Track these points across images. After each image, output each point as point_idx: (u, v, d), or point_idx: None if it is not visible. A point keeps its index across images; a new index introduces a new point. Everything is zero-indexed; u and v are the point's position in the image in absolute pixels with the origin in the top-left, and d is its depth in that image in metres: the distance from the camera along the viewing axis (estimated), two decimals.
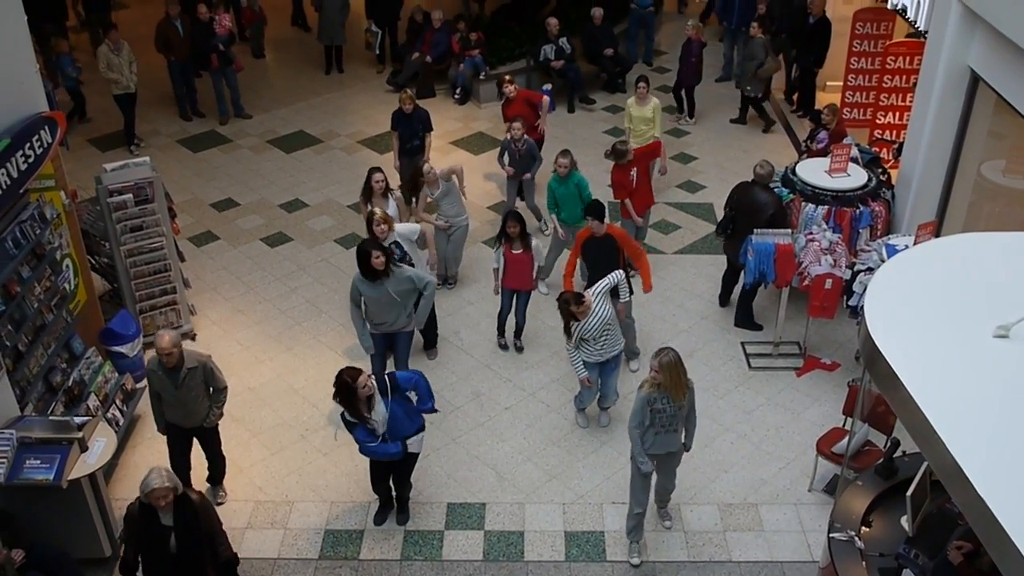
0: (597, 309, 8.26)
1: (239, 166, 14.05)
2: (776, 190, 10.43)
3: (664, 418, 7.11)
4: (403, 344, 8.84)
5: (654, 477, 7.50)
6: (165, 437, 8.60)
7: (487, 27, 16.70)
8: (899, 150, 11.59)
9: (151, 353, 9.74)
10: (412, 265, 9.15)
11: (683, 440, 7.44)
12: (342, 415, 7.29)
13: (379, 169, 10.09)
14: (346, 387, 7.00)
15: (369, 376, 7.11)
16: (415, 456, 7.72)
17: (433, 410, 7.70)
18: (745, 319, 10.36)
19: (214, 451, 8.10)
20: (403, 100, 11.82)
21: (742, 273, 9.96)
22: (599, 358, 8.51)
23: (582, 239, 9.28)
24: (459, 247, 10.88)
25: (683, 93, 15.14)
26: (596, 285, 8.42)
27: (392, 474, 7.81)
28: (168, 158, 14.07)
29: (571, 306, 8.17)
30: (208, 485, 8.23)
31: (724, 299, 10.79)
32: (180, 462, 7.91)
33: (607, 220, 9.28)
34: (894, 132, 12.56)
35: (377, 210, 9.31)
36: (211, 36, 14.72)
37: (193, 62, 15.15)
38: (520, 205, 11.76)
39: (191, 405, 7.67)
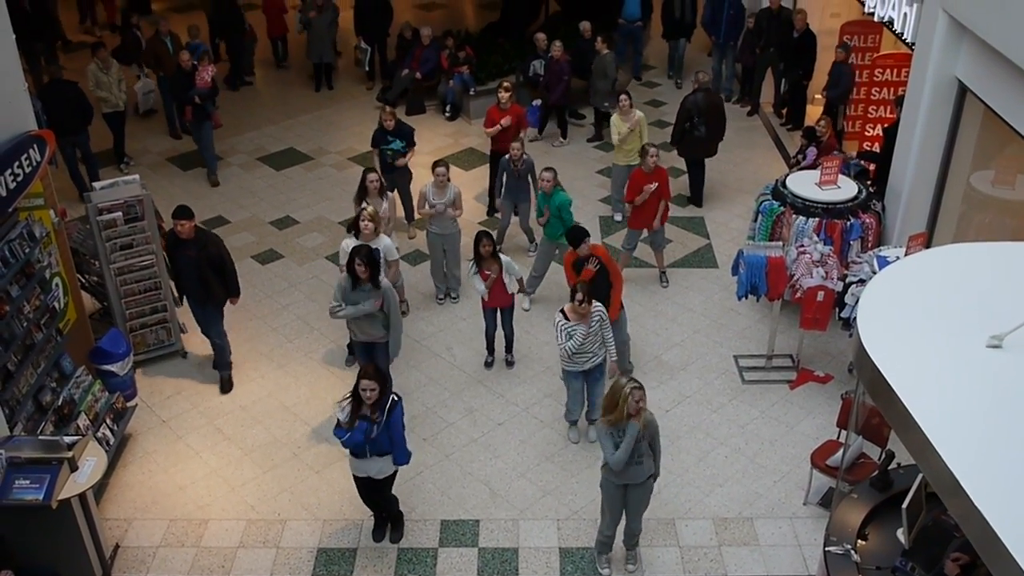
0: (579, 328, 8.28)
1: (229, 184, 14.02)
2: (766, 203, 10.50)
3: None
4: (382, 355, 8.87)
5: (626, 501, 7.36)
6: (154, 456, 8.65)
7: (476, 43, 16.75)
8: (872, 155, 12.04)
9: (141, 373, 9.76)
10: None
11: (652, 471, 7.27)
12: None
13: (373, 169, 10.47)
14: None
15: (374, 390, 7.07)
16: (390, 479, 7.67)
17: (402, 462, 7.56)
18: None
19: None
20: (384, 118, 11.83)
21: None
22: (577, 367, 8.53)
23: (570, 261, 9.28)
24: (455, 261, 10.91)
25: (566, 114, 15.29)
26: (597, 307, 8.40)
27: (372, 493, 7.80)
28: (158, 176, 14.04)
29: (579, 295, 8.16)
30: None
31: (698, 199, 13.13)
32: None
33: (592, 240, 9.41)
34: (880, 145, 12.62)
35: (369, 207, 9.51)
36: (189, 87, 13.38)
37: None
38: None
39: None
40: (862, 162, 11.63)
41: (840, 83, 13.45)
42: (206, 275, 9.27)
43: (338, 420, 7.26)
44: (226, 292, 9.55)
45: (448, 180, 10.53)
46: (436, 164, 10.57)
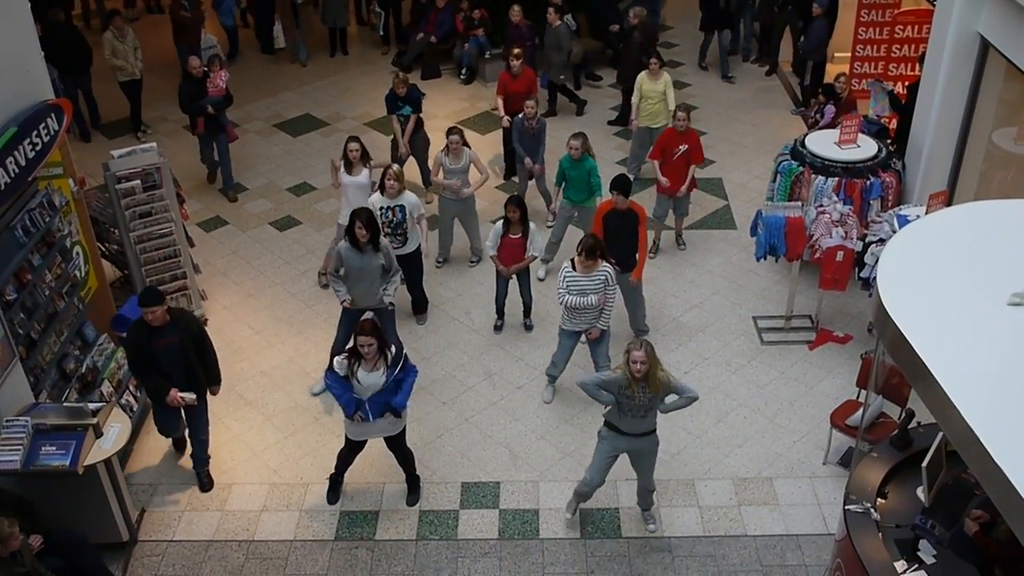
0: (582, 281, 8.27)
1: (246, 150, 14.02)
2: (785, 163, 10.42)
3: (633, 405, 6.98)
4: (387, 321, 8.89)
5: (626, 462, 7.43)
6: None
7: (491, 5, 16.59)
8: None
9: None
10: (405, 236, 9.34)
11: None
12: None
13: (356, 139, 10.18)
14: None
15: (372, 345, 7.12)
16: (402, 432, 7.75)
17: (399, 407, 7.52)
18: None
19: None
20: (396, 84, 11.82)
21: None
22: (573, 327, 8.60)
23: (603, 212, 9.21)
24: (475, 228, 10.94)
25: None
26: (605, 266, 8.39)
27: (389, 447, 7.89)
28: (175, 144, 14.06)
29: (595, 250, 8.19)
30: None
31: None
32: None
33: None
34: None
35: (395, 165, 9.63)
36: (201, 95, 12.14)
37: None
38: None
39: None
40: (883, 119, 11.54)
41: (810, 37, 13.34)
42: (192, 361, 7.71)
43: (331, 363, 7.35)
44: (206, 378, 7.96)
45: (462, 146, 10.49)
46: (450, 131, 10.51)
